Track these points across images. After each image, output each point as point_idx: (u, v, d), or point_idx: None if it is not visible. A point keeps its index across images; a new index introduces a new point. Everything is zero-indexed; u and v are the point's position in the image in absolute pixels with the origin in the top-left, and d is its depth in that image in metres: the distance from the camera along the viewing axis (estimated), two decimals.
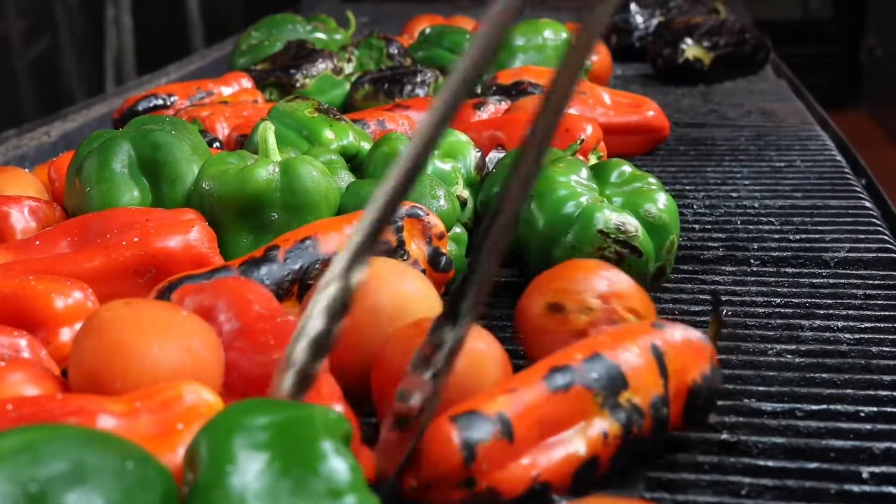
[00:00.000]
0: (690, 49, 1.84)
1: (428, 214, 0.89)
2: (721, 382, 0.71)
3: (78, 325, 0.79)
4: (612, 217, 0.91)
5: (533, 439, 0.63)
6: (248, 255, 0.85)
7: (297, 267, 0.83)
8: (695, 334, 0.69)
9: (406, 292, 0.76)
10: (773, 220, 1.15)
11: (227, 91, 1.42)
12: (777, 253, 1.06)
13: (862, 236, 1.10)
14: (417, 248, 0.88)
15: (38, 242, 0.90)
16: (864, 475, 0.68)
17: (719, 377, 0.70)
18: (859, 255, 1.05)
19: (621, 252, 0.90)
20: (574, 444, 0.64)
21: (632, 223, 0.91)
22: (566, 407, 0.64)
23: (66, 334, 0.79)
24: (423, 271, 0.87)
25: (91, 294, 0.81)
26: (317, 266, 0.84)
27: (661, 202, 0.93)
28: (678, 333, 0.69)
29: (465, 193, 1.03)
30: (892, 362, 0.83)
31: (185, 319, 0.68)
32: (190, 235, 0.87)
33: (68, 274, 0.84)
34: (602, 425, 0.65)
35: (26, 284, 0.80)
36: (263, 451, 0.54)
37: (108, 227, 0.89)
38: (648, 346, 0.67)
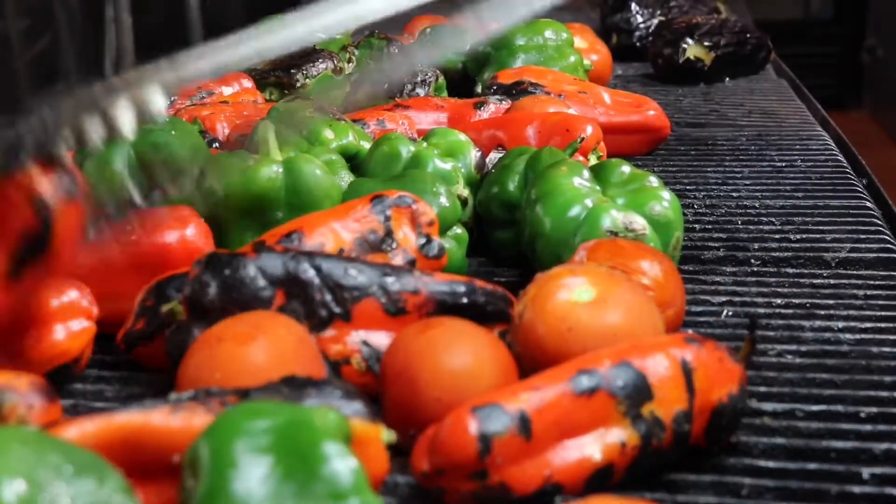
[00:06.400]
0: (691, 49, 1.84)
1: (417, 202, 0.88)
2: (747, 404, 0.70)
3: (72, 324, 0.78)
4: (618, 217, 0.91)
5: (551, 439, 0.63)
6: (237, 251, 0.84)
7: None
8: (727, 354, 0.69)
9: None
10: (773, 220, 1.15)
11: (227, 91, 1.42)
12: (778, 253, 1.06)
13: (863, 236, 1.09)
14: (406, 236, 0.87)
15: None
16: (865, 476, 0.68)
17: (746, 399, 0.69)
18: (860, 255, 1.05)
19: None
20: (590, 448, 0.64)
21: (639, 221, 0.91)
22: (588, 411, 0.64)
23: (59, 332, 0.78)
24: (414, 260, 0.87)
25: (88, 293, 0.81)
26: None
27: (664, 199, 0.94)
28: (710, 351, 0.68)
29: (466, 192, 1.03)
30: (892, 363, 0.83)
31: None
32: (187, 231, 0.87)
33: (64, 272, 0.84)
34: (621, 434, 0.64)
35: None
36: (266, 455, 0.54)
37: None
38: (679, 361, 0.66)
